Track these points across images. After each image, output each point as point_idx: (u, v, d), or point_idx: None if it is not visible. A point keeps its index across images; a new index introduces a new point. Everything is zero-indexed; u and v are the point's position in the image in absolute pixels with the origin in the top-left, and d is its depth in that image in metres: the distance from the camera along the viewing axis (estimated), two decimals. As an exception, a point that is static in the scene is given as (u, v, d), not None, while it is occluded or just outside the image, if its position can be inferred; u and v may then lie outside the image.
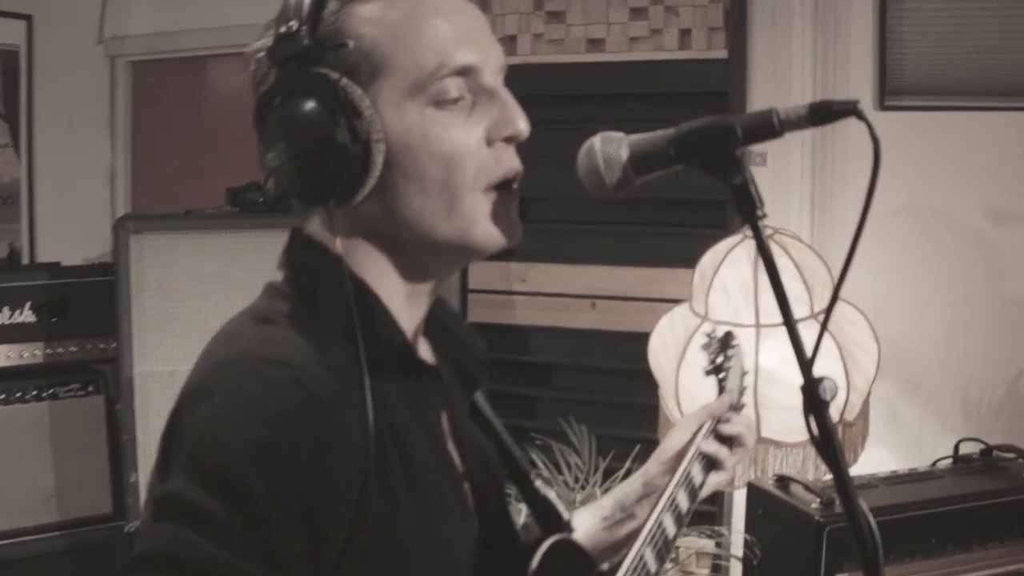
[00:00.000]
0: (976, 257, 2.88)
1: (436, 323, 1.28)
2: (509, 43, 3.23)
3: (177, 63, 4.06)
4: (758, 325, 2.40)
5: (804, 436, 2.48)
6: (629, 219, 3.23)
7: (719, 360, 1.81)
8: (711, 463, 1.58)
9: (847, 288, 1.11)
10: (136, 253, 3.03)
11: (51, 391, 3.20)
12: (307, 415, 1.00)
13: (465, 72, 1.12)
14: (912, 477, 2.35)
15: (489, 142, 1.14)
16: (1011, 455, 2.44)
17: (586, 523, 1.51)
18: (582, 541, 1.41)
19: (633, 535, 1.38)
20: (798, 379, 1.05)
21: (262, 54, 1.14)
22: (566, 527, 1.35)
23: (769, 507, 2.30)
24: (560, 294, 3.28)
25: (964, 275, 2.88)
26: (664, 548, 1.38)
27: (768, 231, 2.41)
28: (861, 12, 2.92)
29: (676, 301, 2.68)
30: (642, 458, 2.73)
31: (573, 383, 3.33)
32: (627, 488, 1.58)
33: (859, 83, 2.92)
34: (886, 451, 2.84)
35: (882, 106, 2.89)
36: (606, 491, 2.71)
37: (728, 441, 1.61)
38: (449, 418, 1.24)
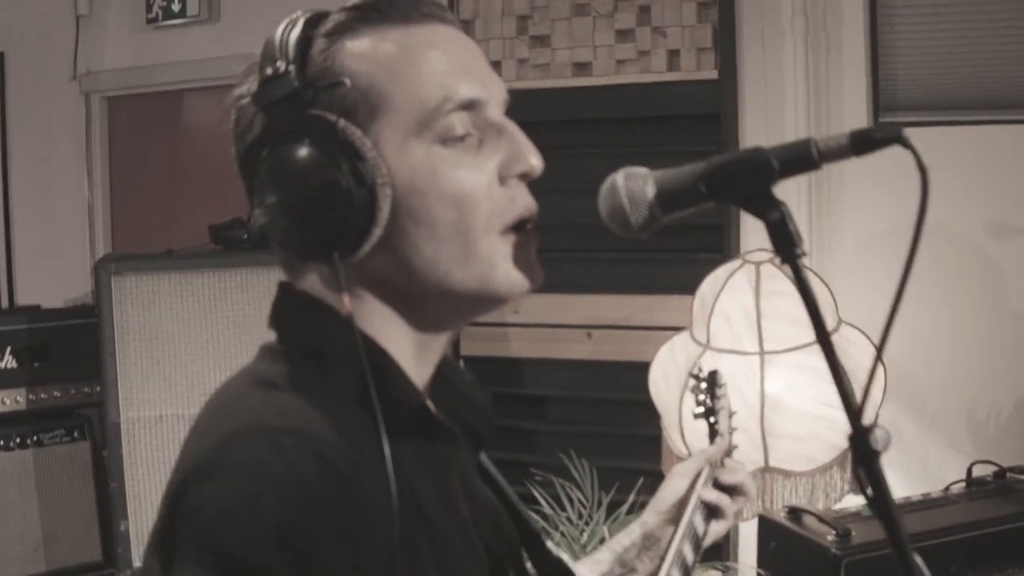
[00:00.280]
0: (977, 272, 2.85)
1: (438, 376, 1.19)
2: (493, 69, 3.17)
3: (153, 97, 3.99)
4: (762, 352, 2.37)
5: (812, 465, 2.47)
6: (623, 246, 3.14)
7: (709, 403, 1.77)
8: (712, 511, 1.55)
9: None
10: (118, 295, 3.01)
11: (35, 438, 3.19)
12: (329, 489, 0.92)
13: (470, 106, 1.06)
14: (927, 503, 2.30)
15: (501, 180, 1.06)
16: (1026, 477, 2.40)
17: None
18: None
19: None
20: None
21: (246, 100, 1.06)
22: None
23: (782, 540, 2.24)
24: (555, 324, 3.21)
25: (965, 291, 2.85)
26: None
27: (766, 254, 2.38)
28: (852, 28, 2.88)
29: (674, 329, 2.65)
30: (646, 491, 2.71)
31: (571, 416, 3.27)
32: (625, 540, 1.53)
33: (852, 100, 2.89)
34: (893, 474, 2.77)
35: (876, 123, 2.86)
36: (613, 522, 2.68)
37: (728, 489, 1.58)
38: (460, 479, 1.15)
